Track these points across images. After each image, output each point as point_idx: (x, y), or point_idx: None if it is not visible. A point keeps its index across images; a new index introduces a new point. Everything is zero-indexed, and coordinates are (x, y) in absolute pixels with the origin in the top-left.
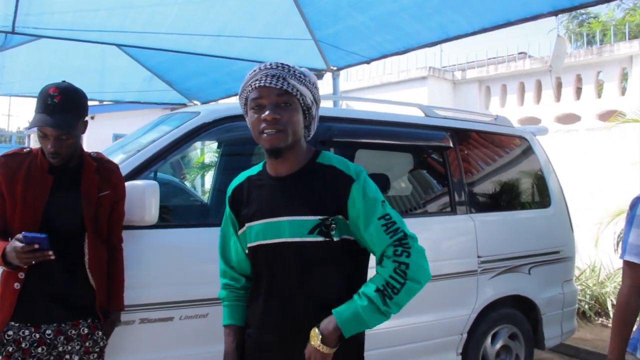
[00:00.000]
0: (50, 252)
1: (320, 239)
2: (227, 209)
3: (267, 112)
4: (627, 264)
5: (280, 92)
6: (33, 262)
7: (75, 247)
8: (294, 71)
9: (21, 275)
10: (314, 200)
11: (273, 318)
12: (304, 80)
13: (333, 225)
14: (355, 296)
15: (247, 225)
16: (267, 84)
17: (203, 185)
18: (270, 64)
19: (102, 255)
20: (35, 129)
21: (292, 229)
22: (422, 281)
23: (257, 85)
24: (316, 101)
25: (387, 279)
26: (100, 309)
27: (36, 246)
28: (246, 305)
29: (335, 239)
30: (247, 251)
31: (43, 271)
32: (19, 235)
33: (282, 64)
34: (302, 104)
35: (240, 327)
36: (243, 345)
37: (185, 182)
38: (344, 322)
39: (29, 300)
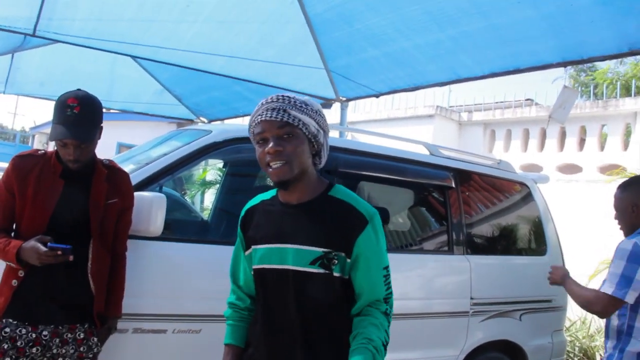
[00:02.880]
0: (71, 257)
1: (321, 270)
2: (239, 229)
3: (270, 145)
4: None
5: (281, 124)
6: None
7: (80, 252)
8: (295, 101)
9: (21, 273)
10: (321, 233)
11: (269, 338)
12: (305, 110)
13: (335, 260)
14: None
15: (253, 247)
16: (267, 118)
17: (202, 202)
18: (271, 98)
19: (105, 262)
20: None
21: (295, 257)
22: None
23: (259, 120)
24: (322, 128)
25: (382, 339)
26: (97, 315)
27: (59, 252)
28: (248, 325)
29: (335, 274)
30: (253, 273)
31: (44, 272)
32: (44, 241)
33: (282, 95)
34: (307, 133)
35: (239, 347)
36: None
37: (185, 197)
38: None
39: (28, 298)
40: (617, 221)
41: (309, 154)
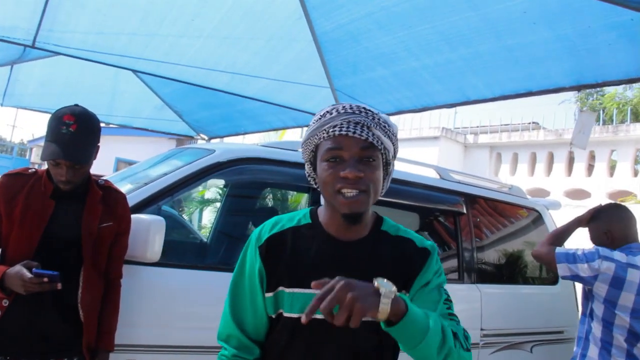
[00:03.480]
0: (59, 285)
1: None
2: (256, 260)
3: (347, 170)
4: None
5: (365, 145)
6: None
7: (70, 279)
8: (378, 119)
9: (5, 302)
10: (385, 274)
11: None
12: (387, 131)
13: None
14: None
15: (283, 288)
16: (350, 133)
17: (200, 220)
18: (351, 107)
19: (97, 290)
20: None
21: None
22: None
23: (336, 133)
24: (395, 156)
25: (461, 333)
26: (87, 348)
27: (45, 279)
28: None
29: None
30: (274, 317)
31: (30, 300)
32: (30, 266)
33: (364, 108)
34: (384, 160)
35: None
36: None
37: (183, 216)
38: (413, 312)
39: (11, 330)
40: None
41: (382, 184)
